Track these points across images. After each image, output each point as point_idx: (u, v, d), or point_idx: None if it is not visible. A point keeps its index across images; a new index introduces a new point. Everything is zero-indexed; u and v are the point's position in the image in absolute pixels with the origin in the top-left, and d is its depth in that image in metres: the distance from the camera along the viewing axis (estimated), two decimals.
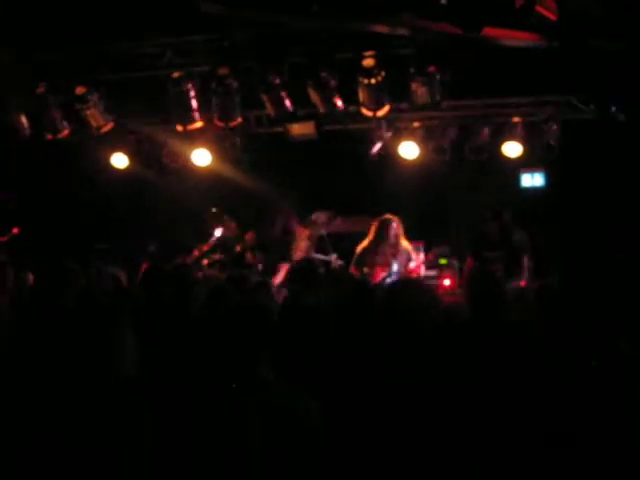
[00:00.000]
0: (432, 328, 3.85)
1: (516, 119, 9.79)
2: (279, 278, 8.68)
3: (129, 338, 3.91)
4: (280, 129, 10.19)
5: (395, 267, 9.28)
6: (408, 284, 4.49)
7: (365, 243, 9.53)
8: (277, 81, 9.27)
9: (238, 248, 10.84)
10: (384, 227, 9.44)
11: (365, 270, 9.29)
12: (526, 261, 8.82)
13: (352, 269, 9.38)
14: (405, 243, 9.52)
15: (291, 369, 3.72)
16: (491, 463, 3.74)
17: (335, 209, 10.47)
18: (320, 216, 10.52)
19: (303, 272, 5.76)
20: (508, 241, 8.87)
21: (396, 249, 9.42)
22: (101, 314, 3.91)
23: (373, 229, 9.55)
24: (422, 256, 9.75)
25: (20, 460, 3.74)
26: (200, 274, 9.25)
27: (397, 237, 9.44)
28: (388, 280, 8.95)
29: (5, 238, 10.14)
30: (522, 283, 8.12)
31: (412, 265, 9.42)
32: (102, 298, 4.56)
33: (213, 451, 3.49)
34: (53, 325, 4.79)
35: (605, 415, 3.67)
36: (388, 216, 9.53)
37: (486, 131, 9.84)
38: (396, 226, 9.44)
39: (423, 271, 9.57)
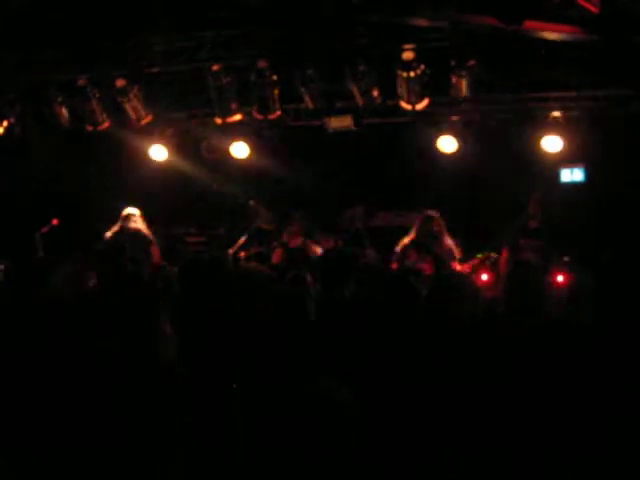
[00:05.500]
0: (473, 324, 3.84)
1: (556, 113, 9.69)
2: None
3: (167, 326, 3.97)
4: (318, 122, 10.19)
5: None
6: (453, 280, 4.49)
7: (407, 239, 9.42)
8: (316, 74, 9.27)
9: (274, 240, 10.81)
10: (426, 224, 9.36)
11: (408, 266, 9.18)
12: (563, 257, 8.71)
13: (394, 265, 9.28)
14: (448, 240, 9.43)
15: (326, 363, 3.72)
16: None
17: (373, 203, 10.43)
18: (357, 210, 10.49)
19: (339, 263, 5.74)
20: (546, 229, 8.80)
21: (439, 246, 9.31)
22: (144, 302, 3.96)
23: (415, 226, 9.46)
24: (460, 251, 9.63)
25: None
26: (238, 266, 9.27)
27: (440, 234, 9.36)
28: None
29: (46, 229, 10.26)
30: (560, 278, 7.98)
31: (458, 265, 9.24)
32: (145, 287, 4.59)
33: (251, 438, 3.51)
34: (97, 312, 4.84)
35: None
36: (429, 212, 9.45)
37: (526, 125, 9.75)
38: (438, 222, 9.37)
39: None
